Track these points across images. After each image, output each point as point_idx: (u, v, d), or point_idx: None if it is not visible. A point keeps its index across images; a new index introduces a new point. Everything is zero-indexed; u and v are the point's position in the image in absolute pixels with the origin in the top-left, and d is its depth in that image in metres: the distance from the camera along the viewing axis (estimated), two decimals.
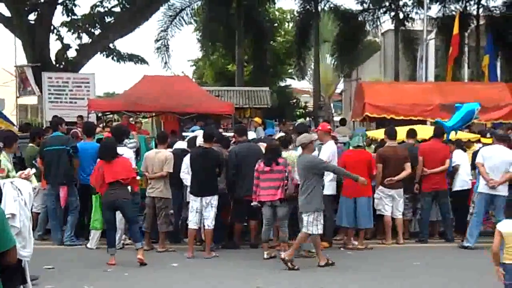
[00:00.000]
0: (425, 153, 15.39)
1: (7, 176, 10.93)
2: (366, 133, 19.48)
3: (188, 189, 13.96)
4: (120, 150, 13.13)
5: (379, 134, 16.37)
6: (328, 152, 13.94)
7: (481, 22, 41.66)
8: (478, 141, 17.41)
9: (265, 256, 13.28)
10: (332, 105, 68.06)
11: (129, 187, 12.93)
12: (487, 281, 10.85)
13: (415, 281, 11.62)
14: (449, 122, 18.44)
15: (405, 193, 15.38)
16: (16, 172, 10.90)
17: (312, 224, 12.44)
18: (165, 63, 39.52)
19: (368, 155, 14.89)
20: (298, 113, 51.14)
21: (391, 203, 15.02)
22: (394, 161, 14.87)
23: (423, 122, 22.34)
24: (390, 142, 15.30)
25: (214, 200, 13.46)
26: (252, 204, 13.56)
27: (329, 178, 14.09)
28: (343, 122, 27.87)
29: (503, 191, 14.37)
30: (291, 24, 52.14)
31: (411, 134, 16.23)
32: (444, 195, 15.24)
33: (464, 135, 18.38)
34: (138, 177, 14.48)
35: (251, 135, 17.40)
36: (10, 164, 11.36)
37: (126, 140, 14.99)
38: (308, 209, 12.50)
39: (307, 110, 51.76)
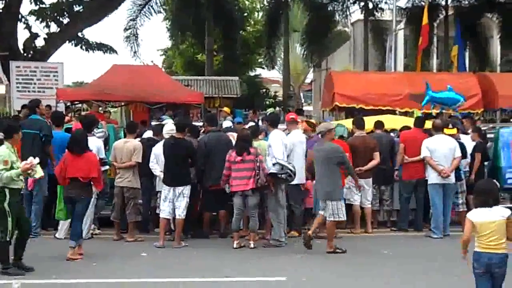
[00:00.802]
0: (406, 141, 15.44)
1: (11, 168, 10.92)
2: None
3: (158, 179, 13.94)
4: (89, 140, 13.01)
5: (347, 123, 16.38)
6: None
7: (450, 12, 41.84)
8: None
9: (235, 245, 13.30)
10: (302, 94, 68.15)
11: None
12: (454, 269, 10.96)
13: (383, 269, 11.67)
14: (434, 93, 18.66)
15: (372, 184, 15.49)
16: None
17: (338, 210, 12.92)
18: (134, 52, 39.27)
19: (347, 146, 14.84)
20: (267, 102, 51.09)
21: (360, 193, 15.05)
22: (363, 150, 14.91)
23: (393, 112, 22.43)
24: (358, 132, 15.34)
25: (186, 190, 13.45)
26: (226, 190, 13.61)
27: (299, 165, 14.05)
28: (299, 112, 27.87)
29: (453, 178, 14.80)
30: (261, 14, 52.03)
31: (379, 125, 16.32)
32: (423, 184, 15.28)
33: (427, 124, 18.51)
34: (107, 167, 14.45)
35: (227, 123, 17.39)
36: (14, 155, 11.21)
37: (94, 130, 14.89)
38: (335, 197, 12.97)
39: (276, 100, 51.72)
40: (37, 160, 11.31)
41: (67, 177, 12.12)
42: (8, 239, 10.92)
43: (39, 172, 11.40)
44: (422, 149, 14.85)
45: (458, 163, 14.88)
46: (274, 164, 13.44)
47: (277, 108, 44.99)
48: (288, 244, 13.65)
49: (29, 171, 11.16)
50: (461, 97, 19.77)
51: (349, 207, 15.04)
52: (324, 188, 13.09)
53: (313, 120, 19.20)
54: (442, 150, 14.68)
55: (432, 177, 14.80)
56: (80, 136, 12.66)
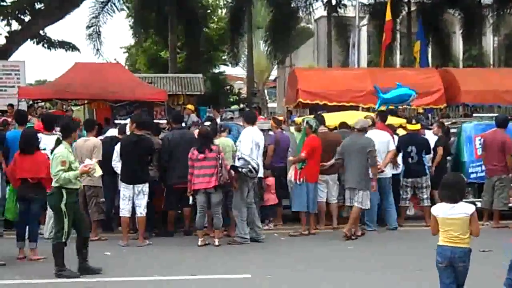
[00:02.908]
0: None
1: (69, 168, 10.80)
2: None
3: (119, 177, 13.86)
4: (50, 138, 12.87)
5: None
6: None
7: (412, 8, 42.10)
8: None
9: (199, 243, 13.27)
10: (266, 91, 68.12)
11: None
12: (417, 263, 11.04)
13: (348, 265, 11.71)
14: (385, 95, 18.72)
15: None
16: None
17: (366, 200, 14.01)
18: (97, 50, 38.96)
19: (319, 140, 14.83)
20: (231, 99, 51.04)
21: (325, 189, 15.06)
22: (326, 147, 14.88)
23: (356, 108, 22.48)
24: (320, 128, 15.33)
25: (145, 187, 13.37)
26: (187, 194, 13.58)
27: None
28: (259, 111, 27.91)
29: (388, 173, 15.08)
30: (224, 11, 51.89)
31: (343, 126, 16.37)
32: (385, 180, 15.30)
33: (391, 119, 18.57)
34: None
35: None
36: (72, 155, 11.13)
37: (57, 128, 14.77)
38: (365, 187, 13.96)
39: (240, 97, 51.68)
40: (94, 160, 11.29)
41: (17, 177, 11.97)
42: (63, 240, 10.80)
43: (99, 171, 11.26)
44: None
45: (392, 156, 15.03)
46: (238, 159, 13.47)
47: (241, 105, 44.87)
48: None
49: (90, 172, 11.08)
50: (413, 91, 19.83)
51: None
52: (356, 178, 14.00)
53: (280, 117, 19.16)
54: (376, 145, 14.76)
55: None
56: (29, 136, 12.39)
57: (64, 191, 10.75)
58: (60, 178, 10.66)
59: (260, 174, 14.40)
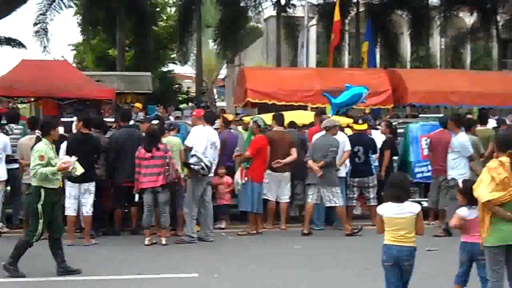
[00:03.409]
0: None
1: (48, 164, 10.64)
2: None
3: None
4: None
5: (266, 118, 16.36)
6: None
7: (361, 9, 42.36)
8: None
9: (146, 242, 13.22)
10: (215, 90, 68.02)
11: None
12: (364, 262, 11.12)
13: (294, 264, 11.74)
14: (336, 100, 18.78)
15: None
16: None
17: (336, 195, 14.50)
18: (44, 47, 38.45)
19: (266, 139, 14.87)
20: (180, 98, 50.85)
21: (276, 188, 15.08)
22: (281, 145, 14.90)
23: (304, 108, 22.55)
24: (277, 128, 15.34)
25: (91, 186, 13.27)
26: (133, 192, 13.49)
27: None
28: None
29: (341, 172, 15.13)
30: (173, 9, 51.69)
31: (291, 125, 16.43)
32: (340, 180, 15.35)
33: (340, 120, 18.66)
34: (16, 164, 14.19)
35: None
36: (52, 151, 10.95)
37: (12, 125, 14.67)
38: (332, 184, 14.46)
39: (189, 96, 51.52)
40: (74, 158, 11.05)
41: None
42: (33, 240, 10.67)
43: (80, 169, 11.09)
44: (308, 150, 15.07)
45: (348, 156, 15.11)
46: (192, 156, 13.43)
47: (190, 104, 44.75)
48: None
49: (69, 169, 10.90)
50: (364, 88, 19.92)
51: (265, 202, 15.10)
52: (326, 176, 14.35)
53: (230, 116, 19.11)
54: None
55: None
56: None
57: (42, 191, 10.62)
58: (37, 172, 10.53)
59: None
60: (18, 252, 10.67)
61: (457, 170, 14.10)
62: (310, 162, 14.67)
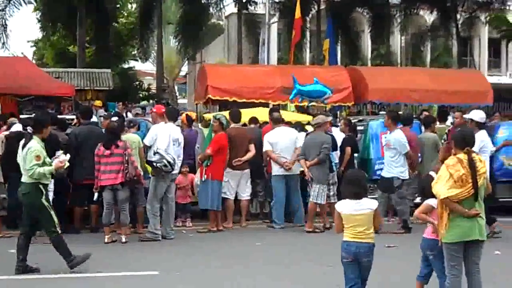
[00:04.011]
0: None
1: (43, 163, 10.62)
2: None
3: None
4: None
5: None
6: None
7: (322, 6, 42.49)
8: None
9: (106, 240, 13.14)
10: (176, 87, 67.88)
11: None
12: (325, 259, 11.15)
13: (256, 261, 11.75)
14: (301, 86, 18.85)
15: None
16: None
17: (322, 193, 14.56)
18: (3, 43, 38.15)
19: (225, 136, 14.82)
20: (141, 95, 50.63)
21: (235, 186, 15.08)
22: (240, 142, 14.89)
23: (266, 105, 22.54)
24: (234, 124, 15.32)
25: (51, 184, 13.09)
26: (93, 190, 13.41)
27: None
28: None
29: (296, 170, 15.10)
30: (134, 5, 51.48)
31: (252, 120, 16.46)
32: (292, 178, 15.37)
33: (299, 116, 18.73)
34: None
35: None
36: (44, 149, 10.87)
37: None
38: (321, 181, 14.51)
39: (150, 93, 51.30)
40: (68, 156, 11.13)
41: None
42: (59, 232, 10.77)
43: (66, 164, 11.12)
44: (264, 143, 15.04)
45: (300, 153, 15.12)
46: (154, 154, 13.37)
47: (150, 101, 44.56)
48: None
49: (64, 167, 11.08)
50: (328, 89, 20.08)
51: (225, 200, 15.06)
52: (314, 172, 14.41)
53: (192, 114, 19.08)
54: (284, 142, 14.91)
55: (275, 169, 15.06)
56: None
57: (41, 187, 10.69)
58: (34, 173, 10.51)
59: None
60: (62, 250, 10.77)
61: (396, 168, 14.12)
62: (302, 162, 14.74)
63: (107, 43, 42.75)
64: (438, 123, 16.81)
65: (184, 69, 68.11)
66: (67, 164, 11.13)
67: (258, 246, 13.16)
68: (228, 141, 14.66)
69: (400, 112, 18.84)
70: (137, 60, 55.29)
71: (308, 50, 49.58)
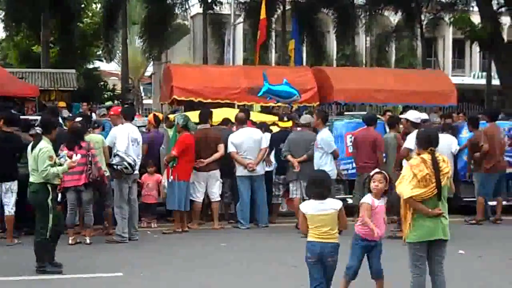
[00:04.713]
0: None
1: (55, 164, 10.84)
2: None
3: None
4: None
5: (194, 116, 16.30)
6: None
7: (287, 7, 42.56)
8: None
9: (70, 241, 13.02)
10: (141, 88, 67.61)
11: None
12: (291, 259, 11.16)
13: (221, 262, 11.72)
14: (272, 86, 18.87)
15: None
16: None
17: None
18: None
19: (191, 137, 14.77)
20: (106, 95, 50.38)
21: (203, 188, 15.01)
22: (206, 143, 14.82)
23: (231, 105, 22.55)
24: (201, 125, 15.27)
25: (14, 185, 13.05)
26: (57, 191, 13.28)
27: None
28: None
29: (261, 170, 15.12)
30: (98, 5, 51.19)
31: (225, 122, 16.47)
32: (257, 178, 15.33)
33: (264, 117, 18.73)
34: None
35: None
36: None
37: None
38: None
39: (115, 93, 51.05)
40: (79, 156, 11.60)
41: None
42: (47, 236, 10.80)
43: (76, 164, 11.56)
44: (228, 145, 15.02)
45: (264, 154, 15.14)
46: (114, 156, 13.29)
47: (115, 102, 44.35)
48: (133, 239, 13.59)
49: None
50: (296, 91, 20.11)
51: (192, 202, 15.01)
52: (304, 170, 14.23)
53: (159, 114, 18.98)
54: (248, 143, 14.91)
55: (239, 170, 15.06)
56: None
57: (49, 187, 10.84)
58: (48, 173, 10.71)
59: None
60: (41, 252, 10.81)
61: (324, 167, 13.93)
62: (290, 157, 14.76)
63: (72, 43, 42.51)
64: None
65: (150, 69, 67.85)
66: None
67: (223, 247, 13.13)
68: (195, 141, 14.61)
69: (364, 113, 18.89)
70: (102, 61, 55.02)
71: (273, 51, 49.67)
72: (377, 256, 8.71)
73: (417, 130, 13.22)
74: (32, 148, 10.98)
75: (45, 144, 10.92)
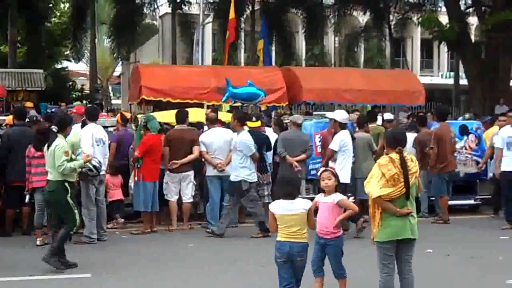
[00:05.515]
0: None
1: (71, 159, 11.15)
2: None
3: None
4: None
5: (170, 116, 16.24)
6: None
7: (256, 7, 42.61)
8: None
9: (38, 243, 12.95)
10: (110, 88, 67.41)
11: None
12: (260, 259, 11.17)
13: (187, 262, 11.72)
14: (236, 89, 18.85)
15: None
16: None
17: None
18: None
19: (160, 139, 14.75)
20: (74, 96, 50.11)
21: (177, 188, 14.96)
22: (179, 144, 14.76)
23: (200, 105, 22.49)
24: (178, 126, 15.20)
25: None
26: (25, 192, 13.21)
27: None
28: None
29: (229, 171, 14.86)
30: (67, 5, 50.95)
31: (199, 122, 16.44)
32: (227, 179, 15.28)
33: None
34: None
35: None
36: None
37: None
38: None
39: (83, 93, 50.82)
40: (92, 150, 12.17)
41: None
42: (74, 231, 11.43)
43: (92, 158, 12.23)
44: (200, 144, 14.99)
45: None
46: (78, 156, 13.17)
47: (84, 102, 44.17)
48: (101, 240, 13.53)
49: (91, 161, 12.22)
50: (262, 92, 20.10)
51: (166, 202, 14.95)
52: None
53: (127, 114, 18.91)
54: (218, 143, 14.87)
55: (209, 170, 14.99)
56: None
57: (67, 185, 11.13)
58: (66, 168, 11.02)
59: None
60: (60, 244, 11.04)
61: (243, 170, 13.92)
62: (289, 158, 14.77)
63: (39, 43, 42.31)
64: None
65: (118, 69, 67.70)
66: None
67: (192, 247, 13.11)
68: (168, 142, 14.66)
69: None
70: (70, 61, 54.82)
71: (242, 51, 49.75)
72: (332, 255, 8.70)
73: (344, 131, 13.53)
74: (48, 146, 11.26)
75: (60, 141, 11.25)
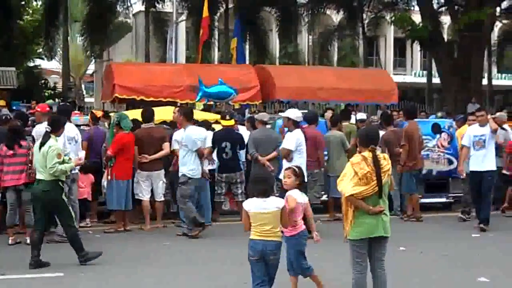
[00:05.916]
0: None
1: (63, 162, 11.05)
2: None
3: None
4: None
5: (133, 114, 16.16)
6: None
7: (230, 5, 42.58)
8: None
9: (10, 242, 12.89)
10: (83, 86, 67.09)
11: None
12: (234, 257, 11.14)
13: (161, 261, 11.70)
14: (208, 89, 18.83)
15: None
16: None
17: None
18: None
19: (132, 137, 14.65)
20: (46, 94, 49.86)
21: (149, 187, 14.90)
22: (148, 142, 14.70)
23: (174, 104, 22.43)
24: (145, 124, 15.14)
25: None
26: None
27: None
28: None
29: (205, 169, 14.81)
30: (39, 2, 50.70)
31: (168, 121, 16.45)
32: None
33: (207, 115, 18.69)
34: None
35: None
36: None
37: None
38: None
39: (56, 91, 50.56)
40: (84, 153, 12.40)
41: None
42: (76, 226, 11.67)
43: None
44: (172, 142, 14.92)
45: (209, 153, 14.72)
46: None
47: (56, 100, 43.94)
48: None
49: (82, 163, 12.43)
50: (233, 90, 20.13)
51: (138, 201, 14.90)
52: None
53: (98, 112, 18.81)
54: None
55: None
56: None
57: (60, 183, 11.21)
58: (57, 170, 10.98)
59: None
60: (77, 244, 11.27)
61: (188, 165, 13.77)
62: (260, 157, 14.74)
63: (11, 41, 42.05)
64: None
65: (91, 67, 67.38)
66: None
67: (166, 245, 13.08)
68: (136, 141, 14.54)
69: (305, 111, 18.94)
70: (42, 59, 54.51)
71: (216, 49, 49.73)
72: (292, 251, 8.75)
73: (298, 130, 13.52)
74: (41, 146, 11.19)
75: (53, 142, 11.20)
